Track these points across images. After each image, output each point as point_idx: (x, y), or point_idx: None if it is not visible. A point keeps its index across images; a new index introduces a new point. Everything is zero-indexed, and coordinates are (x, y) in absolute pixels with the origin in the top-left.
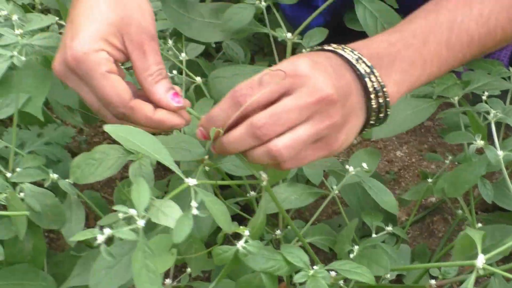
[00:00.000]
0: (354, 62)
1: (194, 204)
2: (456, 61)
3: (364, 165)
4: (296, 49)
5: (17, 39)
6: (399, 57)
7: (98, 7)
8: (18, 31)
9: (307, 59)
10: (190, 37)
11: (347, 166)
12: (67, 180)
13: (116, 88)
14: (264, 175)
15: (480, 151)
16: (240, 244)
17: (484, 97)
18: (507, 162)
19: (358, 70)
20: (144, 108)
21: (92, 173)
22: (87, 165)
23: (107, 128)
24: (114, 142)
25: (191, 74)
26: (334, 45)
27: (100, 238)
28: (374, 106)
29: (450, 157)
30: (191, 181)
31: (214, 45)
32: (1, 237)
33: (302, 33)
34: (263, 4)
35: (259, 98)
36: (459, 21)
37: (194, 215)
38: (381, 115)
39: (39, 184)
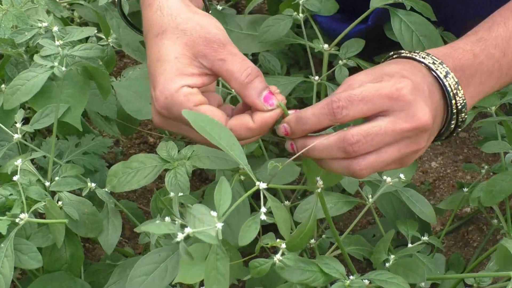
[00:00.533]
0: (443, 78)
1: (263, 209)
2: None
3: (402, 175)
4: (333, 62)
5: (58, 50)
6: (480, 69)
7: (163, 47)
8: (58, 42)
9: (411, 83)
10: None
11: (384, 177)
12: (104, 189)
13: None
14: (320, 182)
15: None
16: (277, 257)
17: None
18: None
19: (446, 89)
20: (242, 123)
21: (129, 181)
22: (124, 174)
23: (185, 113)
24: (150, 153)
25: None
26: (423, 55)
27: (180, 236)
28: (453, 126)
29: (486, 167)
30: (262, 185)
31: (251, 57)
32: (39, 245)
33: (339, 44)
34: (301, 15)
35: (355, 114)
36: None
37: (226, 224)
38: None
39: (77, 193)
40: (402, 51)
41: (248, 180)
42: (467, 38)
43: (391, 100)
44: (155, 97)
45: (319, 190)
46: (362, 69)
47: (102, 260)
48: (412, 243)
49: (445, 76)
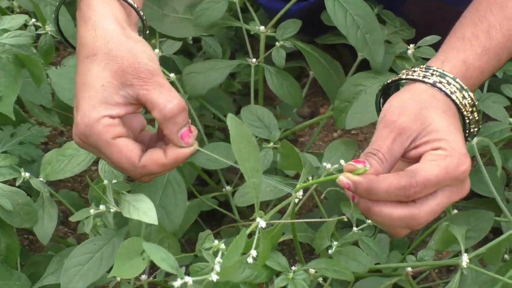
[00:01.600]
0: (467, 116)
1: (253, 253)
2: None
3: (342, 161)
4: (272, 46)
5: None
6: (479, 83)
7: (91, 70)
8: None
9: (469, 163)
10: (163, 33)
11: (324, 163)
12: (39, 178)
13: (123, 152)
14: (300, 193)
15: None
16: (217, 259)
17: None
18: (481, 148)
19: (466, 133)
20: (155, 160)
21: (62, 169)
22: (58, 162)
23: (229, 118)
24: None
25: (164, 70)
26: (454, 84)
27: (178, 283)
28: None
29: None
30: (261, 223)
31: (191, 42)
32: None
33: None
34: None
35: (425, 194)
36: None
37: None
38: None
39: (12, 184)
40: (430, 70)
41: (186, 165)
42: (473, 49)
43: (455, 180)
44: (76, 122)
45: (296, 200)
46: (300, 51)
47: (44, 252)
48: (357, 225)
49: (472, 114)
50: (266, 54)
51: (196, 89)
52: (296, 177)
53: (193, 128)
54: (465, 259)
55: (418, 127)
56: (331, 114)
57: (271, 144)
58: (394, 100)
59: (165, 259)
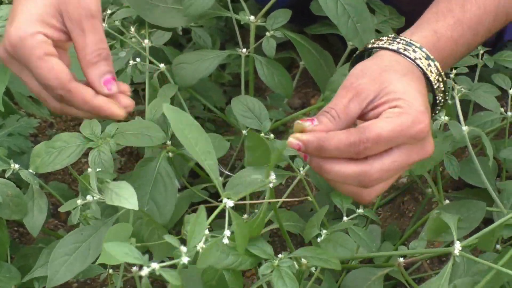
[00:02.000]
0: (435, 83)
1: (227, 232)
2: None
3: None
4: (262, 37)
5: None
6: (454, 55)
7: None
8: None
9: (428, 120)
10: (152, 23)
11: None
12: (29, 170)
13: (54, 70)
14: (272, 176)
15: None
16: (200, 244)
17: (452, 75)
18: (473, 138)
19: (434, 100)
20: (82, 92)
21: (52, 161)
22: (47, 154)
23: (165, 108)
24: None
25: (154, 61)
26: (419, 52)
27: (145, 272)
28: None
29: None
30: (229, 203)
31: (181, 33)
32: None
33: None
34: None
35: (377, 152)
36: (502, 5)
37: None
38: None
39: (2, 175)
40: (397, 39)
41: (178, 157)
42: (445, 20)
43: (411, 138)
44: (8, 32)
45: (271, 185)
46: (291, 42)
47: (35, 244)
48: (347, 215)
49: (438, 80)
50: (256, 44)
51: (186, 79)
52: (287, 168)
53: (130, 101)
54: (457, 246)
55: (377, 88)
56: (322, 104)
57: (262, 134)
58: (358, 66)
59: (128, 253)
